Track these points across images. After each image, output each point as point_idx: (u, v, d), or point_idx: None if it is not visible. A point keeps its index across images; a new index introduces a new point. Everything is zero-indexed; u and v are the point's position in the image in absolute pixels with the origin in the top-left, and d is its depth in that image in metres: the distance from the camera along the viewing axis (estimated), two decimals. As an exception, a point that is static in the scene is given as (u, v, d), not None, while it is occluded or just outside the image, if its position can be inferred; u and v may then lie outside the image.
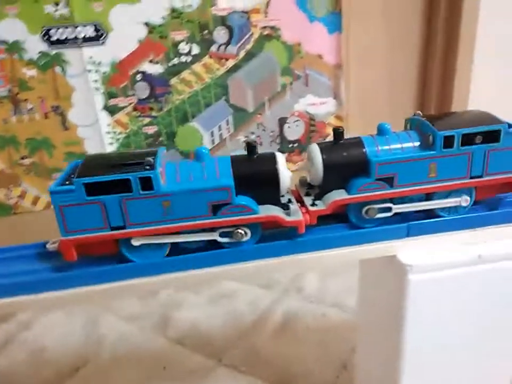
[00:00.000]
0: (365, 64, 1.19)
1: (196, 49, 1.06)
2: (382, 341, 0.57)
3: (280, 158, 0.47)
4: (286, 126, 1.17)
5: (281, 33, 1.09)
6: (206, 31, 1.05)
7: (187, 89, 1.08)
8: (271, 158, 0.47)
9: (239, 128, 1.15)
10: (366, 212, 0.48)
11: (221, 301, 0.95)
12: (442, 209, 0.49)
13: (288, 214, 0.46)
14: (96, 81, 1.03)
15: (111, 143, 1.07)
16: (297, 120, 1.18)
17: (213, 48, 1.07)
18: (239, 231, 0.46)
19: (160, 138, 1.10)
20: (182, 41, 1.04)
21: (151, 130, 1.09)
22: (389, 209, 0.48)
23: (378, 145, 0.47)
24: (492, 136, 0.46)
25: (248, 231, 0.46)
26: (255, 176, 0.46)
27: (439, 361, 0.53)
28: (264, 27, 1.08)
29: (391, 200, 0.48)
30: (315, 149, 0.48)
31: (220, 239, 0.46)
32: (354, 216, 0.49)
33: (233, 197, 0.44)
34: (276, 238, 0.48)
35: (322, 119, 1.19)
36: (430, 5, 1.16)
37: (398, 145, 0.47)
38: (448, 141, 0.46)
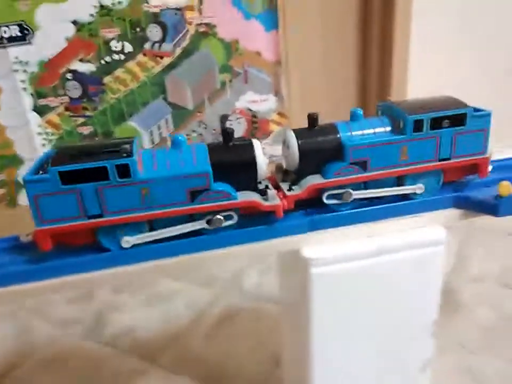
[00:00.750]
0: (304, 60, 1.20)
1: (128, 47, 1.04)
2: (295, 336, 0.57)
3: (257, 145, 0.47)
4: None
5: (217, 30, 1.09)
6: (138, 29, 1.03)
7: (122, 88, 1.06)
8: (248, 145, 0.47)
9: (180, 126, 1.14)
10: (341, 195, 0.49)
11: (158, 302, 0.94)
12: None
13: (266, 200, 0.47)
14: (23, 81, 0.99)
15: (43, 144, 1.04)
16: (239, 118, 1.18)
17: (147, 46, 1.05)
18: (219, 216, 0.46)
19: (97, 139, 1.08)
20: (113, 39, 1.02)
21: (86, 130, 1.07)
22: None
23: (352, 130, 0.49)
24: (458, 120, 0.48)
25: (228, 217, 0.47)
26: (233, 163, 0.46)
27: (349, 352, 0.53)
28: (200, 24, 1.07)
29: (365, 184, 0.50)
30: (291, 135, 0.48)
31: (205, 226, 0.46)
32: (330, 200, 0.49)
33: (211, 183, 0.45)
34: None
35: (265, 116, 1.19)
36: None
37: (371, 130, 0.49)
38: (418, 125, 0.47)
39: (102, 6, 0.98)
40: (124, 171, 0.42)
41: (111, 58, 1.03)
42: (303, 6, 1.14)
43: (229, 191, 0.45)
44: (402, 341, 0.53)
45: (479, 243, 1.01)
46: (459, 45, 1.30)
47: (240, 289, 0.97)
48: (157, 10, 1.03)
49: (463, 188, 0.52)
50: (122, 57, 1.04)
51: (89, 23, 0.99)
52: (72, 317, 0.93)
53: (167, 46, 1.06)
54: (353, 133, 0.48)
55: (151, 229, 0.46)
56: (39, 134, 1.04)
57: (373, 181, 0.49)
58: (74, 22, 0.98)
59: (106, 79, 1.05)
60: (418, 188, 0.50)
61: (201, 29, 1.08)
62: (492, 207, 0.48)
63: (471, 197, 0.49)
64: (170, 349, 0.82)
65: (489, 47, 1.33)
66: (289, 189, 0.48)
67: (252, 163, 0.46)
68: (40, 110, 1.02)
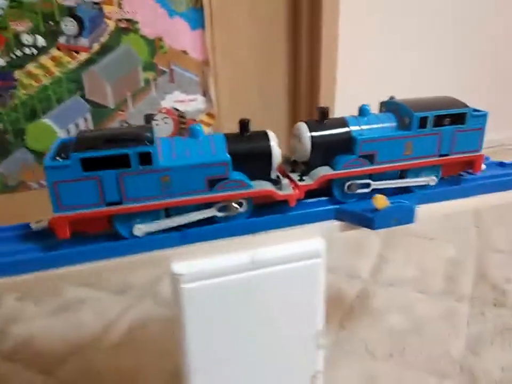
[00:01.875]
0: (233, 60, 1.18)
1: (41, 41, 0.98)
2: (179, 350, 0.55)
3: (272, 135, 0.48)
4: (153, 123, 1.13)
5: (139, 27, 1.05)
6: (52, 22, 0.97)
7: (35, 84, 1.00)
8: (264, 135, 0.48)
9: (100, 125, 1.09)
10: (348, 187, 0.51)
11: (65, 311, 0.89)
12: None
13: (280, 189, 0.48)
14: None
15: None
16: (165, 117, 1.14)
17: (62, 40, 1.00)
18: (234, 205, 0.47)
19: (6, 136, 1.01)
20: (24, 32, 0.96)
21: (-5, 127, 1.00)
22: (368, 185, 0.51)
23: (361, 125, 0.51)
24: (459, 118, 0.51)
25: (242, 205, 0.47)
26: (249, 153, 0.47)
27: (230, 367, 0.51)
28: (120, 20, 1.03)
29: (370, 177, 0.51)
30: (303, 127, 0.50)
31: (217, 214, 0.47)
32: (338, 191, 0.51)
33: (230, 172, 0.45)
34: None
35: (193, 116, 1.16)
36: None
37: (378, 125, 0.51)
38: (423, 122, 0.50)
39: (11, -2, 0.93)
40: (146, 159, 0.42)
41: (22, 52, 0.97)
42: (230, 4, 1.12)
43: (246, 180, 0.46)
44: (288, 354, 0.52)
45: (400, 247, 1.01)
46: (387, 45, 1.32)
47: (155, 297, 0.93)
48: (72, 3, 0.98)
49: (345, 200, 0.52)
50: (35, 51, 0.98)
51: (-3, 15, 0.93)
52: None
53: (83, 41, 1.01)
54: (362, 127, 0.51)
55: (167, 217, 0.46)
56: None
57: (378, 174, 0.52)
58: (-20, 14, 0.92)
59: (18, 74, 0.98)
60: (431, 179, 0.54)
61: (122, 25, 1.04)
62: (368, 220, 0.47)
63: (349, 210, 0.49)
64: (70, 363, 0.77)
65: (417, 46, 1.35)
66: (300, 180, 0.50)
67: (268, 153, 0.47)
68: None
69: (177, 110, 1.15)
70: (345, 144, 0.50)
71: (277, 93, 1.27)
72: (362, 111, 0.52)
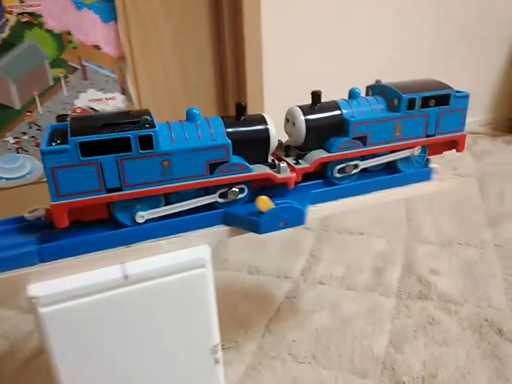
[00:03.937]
0: (152, 54, 1.12)
1: None
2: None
3: (269, 119, 0.47)
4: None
5: (44, 21, 0.97)
6: None
7: None
8: (262, 119, 0.47)
9: (6, 128, 1.00)
10: (343, 168, 0.51)
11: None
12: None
13: (278, 172, 0.47)
14: None
15: None
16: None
17: (-46, 36, 0.90)
18: (234, 189, 0.46)
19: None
20: None
21: None
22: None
23: (352, 107, 0.51)
24: (444, 99, 0.52)
25: (243, 189, 0.47)
26: (248, 136, 0.46)
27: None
28: (22, 14, 0.95)
29: (362, 158, 0.52)
30: (297, 111, 0.50)
31: (218, 199, 0.46)
32: (333, 173, 0.52)
33: (230, 155, 0.44)
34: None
35: (113, 116, 1.09)
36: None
37: (369, 108, 0.52)
38: (411, 103, 0.51)
39: None
40: (147, 142, 0.40)
41: None
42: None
43: (245, 164, 0.45)
44: (181, 373, 0.47)
45: (332, 243, 0.99)
46: (312, 33, 1.30)
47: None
48: (-38, -5, 0.88)
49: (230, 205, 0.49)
50: None
51: None
52: None
53: (-20, 37, 0.92)
54: (354, 110, 0.51)
55: (167, 205, 0.45)
56: None
57: (370, 155, 0.52)
58: None
59: None
60: (416, 150, 0.54)
61: (24, 19, 0.95)
62: (254, 224, 0.43)
63: (235, 214, 0.45)
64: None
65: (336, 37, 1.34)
66: (296, 163, 0.49)
67: (266, 137, 0.47)
68: None
69: (94, 109, 1.08)
70: (338, 127, 0.51)
71: (203, 85, 1.22)
72: (353, 94, 0.53)
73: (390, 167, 0.55)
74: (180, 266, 0.42)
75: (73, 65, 1.02)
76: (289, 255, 0.96)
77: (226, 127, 0.46)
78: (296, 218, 0.46)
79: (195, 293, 0.44)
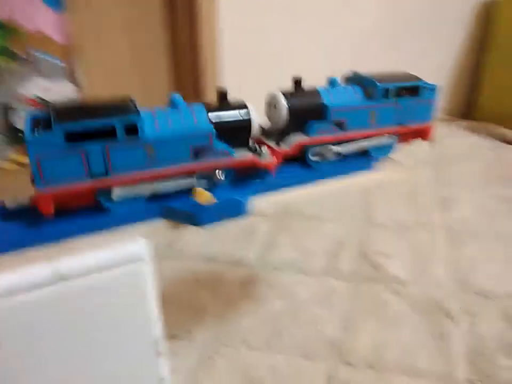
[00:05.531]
0: (103, 42, 1.08)
1: None
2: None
3: (251, 105, 0.49)
4: (15, 114, 1.02)
5: (-16, 8, 0.92)
6: None
7: None
8: (243, 105, 0.48)
9: None
10: (321, 152, 0.54)
11: None
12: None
13: (260, 157, 0.49)
14: None
15: None
16: (27, 108, 1.03)
17: None
18: (218, 173, 0.47)
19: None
20: None
21: None
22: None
23: (331, 95, 0.54)
24: (415, 90, 0.56)
25: (225, 174, 0.48)
26: (230, 122, 0.47)
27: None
28: (-42, 0, 0.90)
29: (339, 143, 0.54)
30: (279, 96, 0.52)
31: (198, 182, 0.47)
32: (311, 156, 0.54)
33: (214, 141, 0.46)
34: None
35: (62, 105, 1.06)
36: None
37: (347, 95, 0.55)
38: (386, 93, 0.54)
39: None
40: (132, 129, 0.41)
41: None
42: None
43: (229, 150, 0.47)
44: (121, 368, 0.46)
45: (288, 229, 1.00)
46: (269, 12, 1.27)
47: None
48: None
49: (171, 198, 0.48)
50: None
51: None
52: None
53: None
54: (333, 97, 0.54)
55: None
56: None
57: (347, 141, 0.55)
58: None
59: None
60: (388, 137, 0.57)
61: (-39, 6, 0.91)
62: (193, 217, 0.44)
63: (173, 207, 0.45)
64: None
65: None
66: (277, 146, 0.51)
67: (248, 122, 0.48)
68: None
69: (41, 99, 1.04)
70: (318, 112, 0.53)
71: (157, 72, 1.20)
72: (331, 82, 0.56)
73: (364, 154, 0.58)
74: (116, 261, 0.41)
75: (18, 53, 0.98)
76: (245, 242, 0.96)
77: (208, 113, 0.47)
78: (237, 210, 0.47)
79: (132, 288, 0.43)
